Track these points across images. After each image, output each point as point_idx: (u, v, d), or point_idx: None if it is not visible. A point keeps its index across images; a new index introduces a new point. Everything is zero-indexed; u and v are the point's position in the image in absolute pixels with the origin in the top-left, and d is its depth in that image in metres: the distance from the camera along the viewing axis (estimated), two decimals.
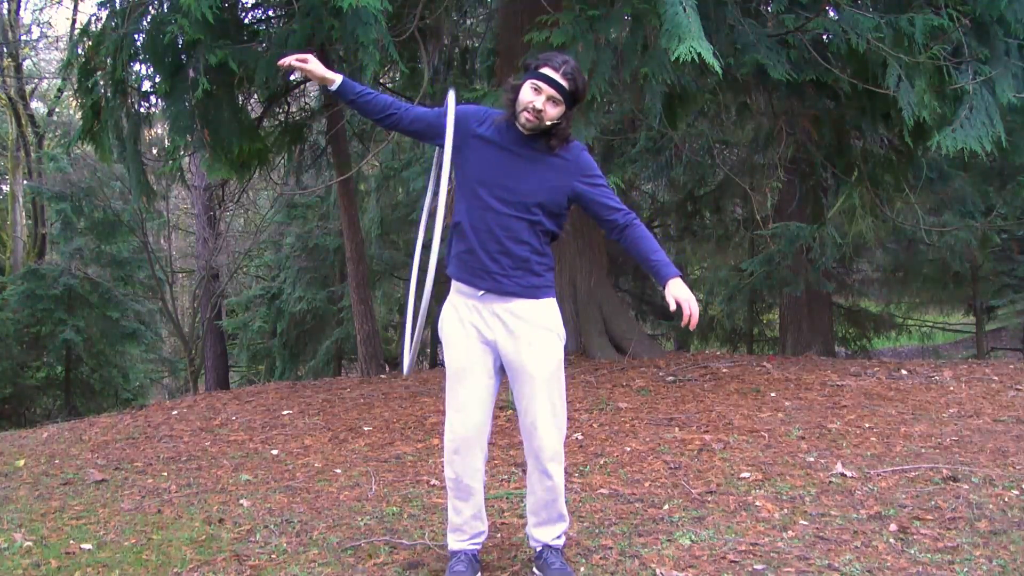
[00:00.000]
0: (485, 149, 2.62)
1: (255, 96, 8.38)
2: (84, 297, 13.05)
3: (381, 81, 8.70)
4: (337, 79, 2.68)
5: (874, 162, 6.75)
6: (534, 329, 2.63)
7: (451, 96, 2.63)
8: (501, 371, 2.71)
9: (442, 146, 2.63)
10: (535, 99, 2.53)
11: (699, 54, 4.25)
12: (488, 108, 2.74)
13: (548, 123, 2.56)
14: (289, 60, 2.67)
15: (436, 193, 2.64)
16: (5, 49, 15.23)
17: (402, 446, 4.71)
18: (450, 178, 2.61)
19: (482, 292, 2.62)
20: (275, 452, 4.78)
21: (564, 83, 2.53)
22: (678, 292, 2.55)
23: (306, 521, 3.45)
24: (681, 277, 2.60)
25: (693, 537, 2.99)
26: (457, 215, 2.64)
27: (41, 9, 17.04)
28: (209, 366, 14.09)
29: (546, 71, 2.53)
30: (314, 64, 2.65)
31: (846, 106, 6.33)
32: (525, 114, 2.55)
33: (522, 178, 2.58)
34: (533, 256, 2.62)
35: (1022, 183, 9.05)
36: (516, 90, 2.59)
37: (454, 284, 2.70)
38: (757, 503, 3.35)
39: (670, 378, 6.08)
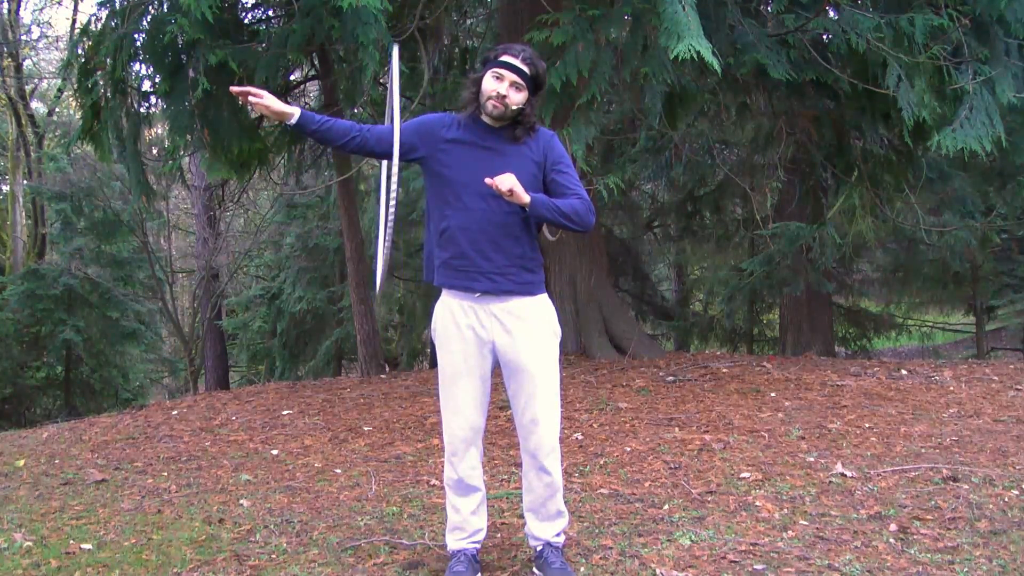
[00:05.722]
0: (460, 150, 2.62)
1: None
2: (84, 297, 13.04)
3: (381, 81, 8.69)
4: (295, 113, 2.60)
5: (874, 162, 6.74)
6: (531, 327, 2.63)
7: (395, 51, 2.61)
8: (495, 371, 2.72)
9: (412, 160, 2.65)
10: (498, 86, 2.56)
11: (698, 52, 4.25)
12: (448, 113, 2.73)
13: (514, 108, 2.58)
14: (244, 91, 2.58)
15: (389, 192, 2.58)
16: (5, 49, 15.21)
17: (402, 446, 4.71)
18: (428, 179, 2.60)
19: (478, 294, 2.62)
20: (275, 452, 4.78)
21: (524, 68, 2.57)
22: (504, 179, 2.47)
23: (306, 521, 3.45)
24: (532, 203, 2.51)
25: (693, 537, 2.99)
26: (442, 221, 2.62)
27: (41, 9, 17.04)
28: (209, 366, 14.09)
29: (506, 59, 2.58)
30: (270, 100, 2.56)
31: (846, 106, 6.33)
32: (491, 103, 2.57)
33: (503, 170, 2.56)
34: (526, 252, 2.63)
35: (1022, 183, 9.04)
36: (478, 83, 2.62)
37: (445, 290, 2.69)
38: (757, 503, 3.35)
39: (670, 378, 6.08)
